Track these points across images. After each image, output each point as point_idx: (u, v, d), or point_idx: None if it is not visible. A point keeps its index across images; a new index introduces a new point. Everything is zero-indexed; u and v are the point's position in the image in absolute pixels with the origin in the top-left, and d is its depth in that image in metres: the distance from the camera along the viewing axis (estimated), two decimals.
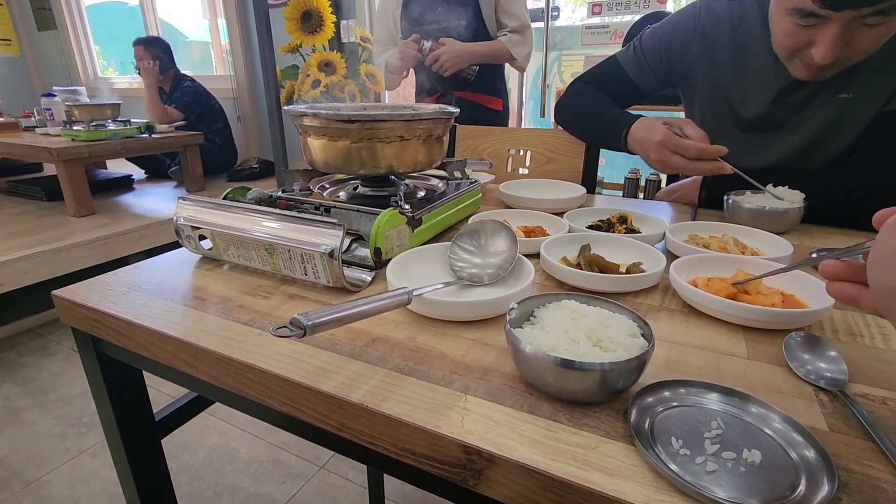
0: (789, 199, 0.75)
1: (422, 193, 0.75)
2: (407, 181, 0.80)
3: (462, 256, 0.57)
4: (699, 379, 0.37)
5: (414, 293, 0.45)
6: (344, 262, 0.52)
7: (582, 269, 0.56)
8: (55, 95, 2.26)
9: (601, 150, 1.11)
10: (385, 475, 1.26)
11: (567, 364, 0.34)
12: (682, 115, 1.02)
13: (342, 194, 0.74)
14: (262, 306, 0.52)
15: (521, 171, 1.18)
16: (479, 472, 0.33)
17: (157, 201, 2.28)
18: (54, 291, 0.55)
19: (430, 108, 0.71)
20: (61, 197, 1.97)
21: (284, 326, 0.37)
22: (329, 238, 0.51)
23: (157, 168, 2.73)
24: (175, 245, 0.66)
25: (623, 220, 0.72)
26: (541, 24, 2.16)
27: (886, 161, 0.78)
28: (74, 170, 1.86)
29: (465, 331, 0.47)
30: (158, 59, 2.57)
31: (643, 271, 0.55)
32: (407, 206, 0.62)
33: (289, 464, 1.44)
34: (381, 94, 2.79)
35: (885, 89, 0.78)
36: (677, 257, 0.57)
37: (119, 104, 2.16)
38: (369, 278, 0.57)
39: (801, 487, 0.29)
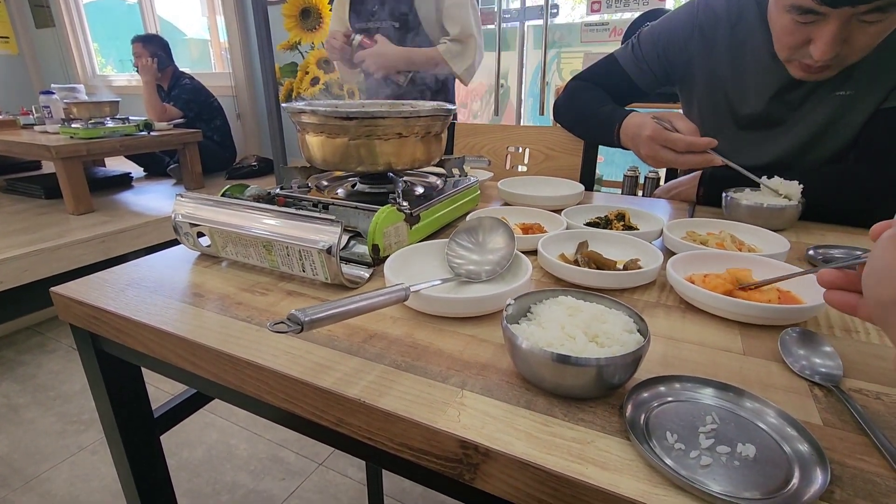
0: (785, 191, 0.75)
1: (420, 190, 0.75)
2: (405, 178, 0.80)
3: (460, 253, 0.57)
4: (695, 374, 0.38)
5: (411, 289, 0.46)
6: (342, 258, 0.52)
7: (579, 265, 0.56)
8: (53, 93, 2.26)
9: (600, 147, 1.11)
10: (384, 471, 1.27)
11: (563, 359, 0.35)
12: (679, 112, 1.02)
13: (340, 191, 0.74)
14: (261, 303, 0.52)
15: (519, 168, 1.18)
16: (475, 467, 0.34)
17: (156, 199, 2.28)
18: (53, 288, 0.55)
19: (429, 105, 0.71)
20: (60, 195, 1.97)
21: (282, 322, 0.37)
22: (327, 235, 0.51)
23: (156, 166, 2.72)
24: (174, 242, 0.66)
25: (621, 217, 0.72)
26: (540, 22, 2.16)
27: (884, 158, 0.78)
28: (73, 167, 1.86)
29: (462, 327, 0.47)
30: (157, 56, 2.56)
31: (640, 268, 0.55)
32: (405, 203, 0.63)
33: (288, 460, 1.45)
34: None
35: (882, 86, 0.78)
36: (674, 254, 0.57)
37: (117, 102, 2.15)
38: (367, 275, 0.57)
39: (795, 481, 0.29)
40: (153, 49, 2.58)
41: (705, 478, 0.29)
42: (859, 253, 0.34)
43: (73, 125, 1.99)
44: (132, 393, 0.63)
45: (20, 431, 1.57)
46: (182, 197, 0.63)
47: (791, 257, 0.63)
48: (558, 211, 0.74)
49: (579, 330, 0.39)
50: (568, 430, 0.34)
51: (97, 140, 1.94)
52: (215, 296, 0.54)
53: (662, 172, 1.87)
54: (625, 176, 2.23)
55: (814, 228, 0.77)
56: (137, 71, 2.58)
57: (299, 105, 0.65)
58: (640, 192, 2.21)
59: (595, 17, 2.11)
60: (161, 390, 1.69)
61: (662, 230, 0.66)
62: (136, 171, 2.76)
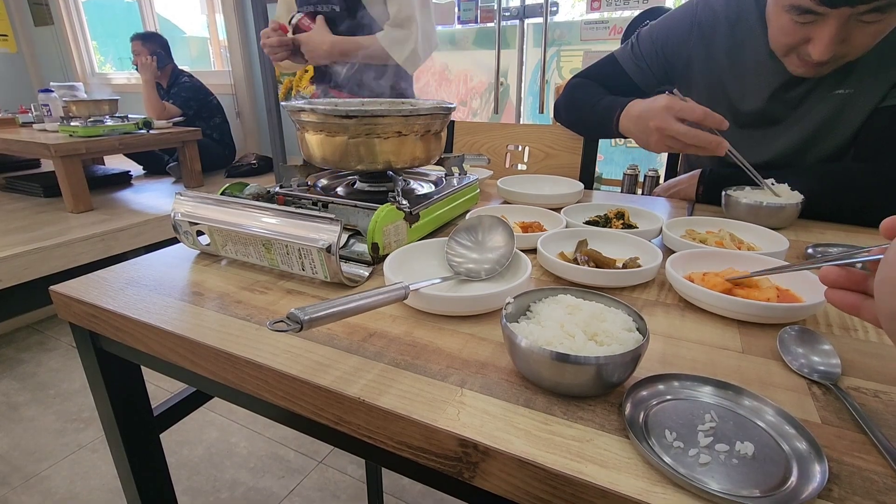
0: (787, 196, 0.75)
1: (419, 189, 0.75)
2: (405, 177, 0.80)
3: (459, 252, 0.57)
4: (694, 373, 0.38)
5: (411, 288, 0.46)
6: (341, 257, 0.52)
7: (579, 264, 0.56)
8: (52, 91, 2.25)
9: (600, 146, 1.11)
10: (383, 469, 1.27)
11: (562, 358, 0.35)
12: None
13: (340, 190, 0.74)
14: (260, 301, 0.52)
15: (519, 166, 1.18)
16: (474, 465, 0.34)
17: (155, 197, 2.28)
18: (52, 287, 0.55)
19: (428, 103, 0.71)
20: (59, 193, 1.96)
21: (282, 321, 0.37)
22: (327, 233, 0.51)
23: (155, 164, 2.72)
24: (173, 241, 0.66)
25: (620, 215, 0.72)
26: (540, 20, 2.15)
27: (884, 156, 0.78)
28: (72, 166, 1.86)
29: (461, 325, 0.47)
30: (156, 54, 2.56)
31: (639, 266, 0.55)
32: (404, 202, 0.63)
33: (287, 458, 1.45)
34: None
35: (882, 85, 0.78)
36: (674, 252, 0.57)
37: (117, 100, 2.15)
38: (367, 273, 0.57)
39: (793, 479, 0.29)
40: (152, 47, 2.57)
41: (704, 476, 0.29)
42: (863, 248, 0.33)
43: (72, 123, 1.99)
44: (132, 391, 0.63)
45: (20, 429, 1.57)
46: (181, 195, 0.63)
47: (790, 256, 0.63)
48: (558, 209, 0.74)
49: (578, 328, 0.39)
50: (567, 429, 0.34)
51: (96, 138, 1.94)
52: (215, 294, 0.54)
53: (662, 171, 1.87)
54: (624, 174, 2.23)
55: (813, 227, 0.77)
56: (137, 69, 2.58)
57: (299, 103, 0.65)
58: (639, 191, 2.21)
59: (595, 16, 2.11)
60: (161, 388, 1.69)
61: (662, 228, 0.66)
62: (136, 169, 2.76)
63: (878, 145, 0.80)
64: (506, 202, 0.86)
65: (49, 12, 3.71)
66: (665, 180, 1.13)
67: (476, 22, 2.30)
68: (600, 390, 0.37)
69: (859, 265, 0.33)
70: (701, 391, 0.37)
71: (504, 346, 0.43)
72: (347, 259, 0.60)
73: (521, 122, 2.42)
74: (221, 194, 0.65)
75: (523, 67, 2.31)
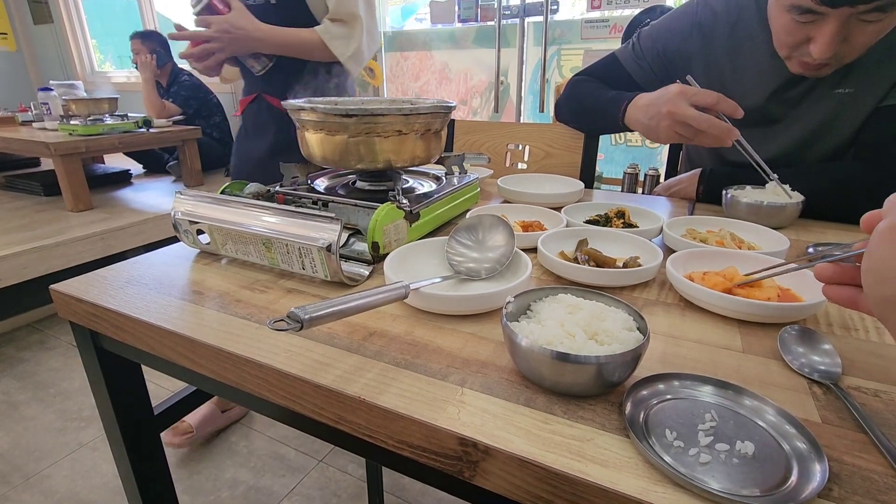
0: (789, 195, 0.75)
1: (420, 188, 0.75)
2: (405, 176, 0.80)
3: (460, 251, 0.57)
4: (694, 372, 0.38)
5: (411, 287, 0.46)
6: (342, 256, 0.52)
7: (579, 263, 0.56)
8: (52, 90, 2.25)
9: (600, 145, 1.11)
10: (383, 468, 1.27)
11: (563, 357, 0.35)
12: None
13: (340, 189, 0.74)
14: (260, 300, 0.52)
15: (519, 165, 1.18)
16: (475, 464, 0.34)
17: (155, 196, 2.28)
18: (53, 286, 0.55)
19: (428, 102, 0.71)
20: (59, 192, 1.96)
21: (282, 320, 0.37)
22: (327, 232, 0.51)
23: (155, 163, 2.72)
24: (173, 240, 0.66)
25: (621, 214, 0.72)
26: (540, 18, 2.15)
27: (883, 156, 0.78)
28: (72, 164, 1.86)
29: (462, 325, 0.47)
30: (156, 53, 2.55)
31: (640, 265, 0.55)
32: (405, 201, 0.63)
33: (288, 457, 1.45)
34: (379, 88, 2.78)
35: (882, 84, 0.78)
36: (674, 252, 0.57)
37: (116, 98, 2.15)
38: (367, 272, 0.57)
39: (793, 478, 0.29)
40: (152, 45, 2.57)
41: (704, 475, 0.29)
42: (853, 243, 0.34)
43: (71, 122, 1.98)
44: (132, 390, 0.63)
45: (20, 428, 1.57)
46: (182, 194, 0.63)
47: (791, 255, 0.63)
48: (558, 208, 0.74)
49: (579, 328, 0.39)
50: (567, 428, 0.34)
51: (96, 137, 1.93)
52: (215, 293, 0.54)
53: (663, 170, 1.87)
54: (625, 173, 2.23)
55: (813, 226, 0.77)
56: (136, 67, 2.57)
57: (299, 102, 0.65)
58: (640, 190, 2.21)
59: (595, 14, 2.11)
60: (161, 387, 1.69)
61: (662, 228, 0.66)
62: (136, 168, 2.76)
63: (879, 145, 0.80)
64: (506, 201, 0.86)
65: (48, 10, 3.70)
66: (665, 179, 1.13)
67: (476, 20, 2.30)
68: (601, 390, 0.37)
69: (850, 260, 0.34)
70: (701, 391, 0.37)
71: (504, 345, 0.43)
72: (348, 258, 0.60)
73: (522, 121, 2.42)
74: (221, 193, 0.65)
75: (523, 66, 2.31)
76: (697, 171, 0.92)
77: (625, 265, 0.56)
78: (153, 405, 0.68)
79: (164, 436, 1.37)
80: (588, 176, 1.09)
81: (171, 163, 2.58)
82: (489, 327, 0.47)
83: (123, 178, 2.54)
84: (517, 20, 2.23)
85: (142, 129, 2.11)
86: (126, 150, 2.39)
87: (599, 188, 2.01)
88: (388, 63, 2.78)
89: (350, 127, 0.62)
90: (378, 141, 0.64)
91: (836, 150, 0.86)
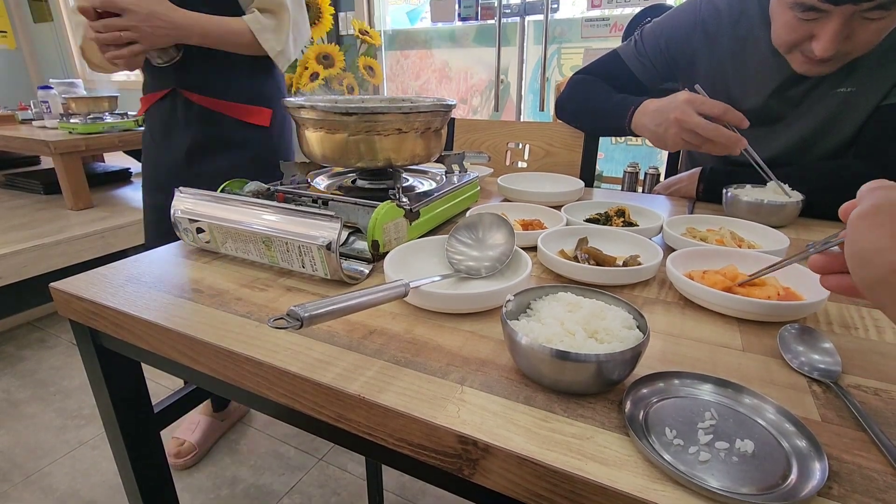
0: (789, 193, 0.75)
1: (420, 186, 0.75)
2: (405, 174, 0.80)
3: (459, 249, 0.57)
4: (694, 370, 0.38)
5: (411, 285, 0.46)
6: (342, 254, 0.52)
7: (579, 261, 0.56)
8: (52, 88, 2.25)
9: (600, 144, 1.11)
10: (383, 466, 1.27)
11: (563, 355, 0.35)
12: None
13: (340, 187, 0.74)
14: (260, 298, 0.52)
15: (519, 164, 1.18)
16: (474, 462, 0.34)
17: None
18: (52, 284, 0.55)
19: (428, 100, 0.71)
20: (59, 190, 1.96)
21: (282, 318, 0.37)
22: (327, 231, 0.51)
23: None
24: (173, 238, 0.66)
25: (621, 213, 0.72)
26: (540, 17, 2.15)
27: (885, 155, 0.78)
28: (72, 163, 1.86)
29: (462, 323, 0.47)
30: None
31: (640, 264, 0.55)
32: (405, 199, 0.63)
33: (288, 455, 1.45)
34: (379, 86, 2.78)
35: (883, 83, 0.78)
36: (674, 250, 0.57)
37: (116, 97, 2.14)
38: (367, 271, 0.57)
39: (793, 477, 0.29)
40: None
41: (704, 473, 0.30)
42: (837, 233, 0.35)
43: (71, 120, 1.98)
44: (132, 388, 0.63)
45: (20, 426, 1.57)
46: (181, 192, 0.63)
47: (791, 254, 0.63)
48: (558, 207, 0.74)
49: (579, 326, 0.39)
50: (567, 426, 0.34)
51: (96, 135, 1.93)
52: (214, 291, 0.54)
53: (663, 169, 1.86)
54: (625, 172, 2.22)
55: (814, 225, 0.77)
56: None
57: (298, 100, 0.65)
58: (640, 189, 2.20)
59: (596, 13, 2.10)
60: (161, 385, 1.69)
61: (662, 226, 0.66)
62: (136, 166, 2.75)
63: (880, 143, 0.80)
64: (506, 200, 0.86)
65: (48, 9, 3.69)
66: (665, 178, 1.13)
67: (476, 19, 2.29)
68: (600, 388, 0.37)
69: (838, 249, 0.35)
70: (701, 389, 0.37)
71: (504, 343, 0.43)
72: (347, 256, 0.60)
73: (522, 120, 2.42)
74: (221, 191, 0.65)
75: (524, 65, 2.31)
76: (697, 169, 0.92)
77: (625, 264, 0.56)
78: (153, 403, 0.68)
79: (170, 459, 1.35)
80: (588, 174, 1.09)
81: None
82: (489, 326, 0.47)
83: (123, 177, 2.54)
84: (517, 19, 2.22)
85: (142, 128, 2.11)
86: (126, 149, 2.38)
87: (599, 187, 2.01)
88: (388, 62, 2.77)
89: (350, 125, 0.62)
90: (378, 139, 0.64)
91: (838, 149, 0.86)
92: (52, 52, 3.83)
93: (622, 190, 2.22)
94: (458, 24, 2.41)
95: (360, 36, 2.18)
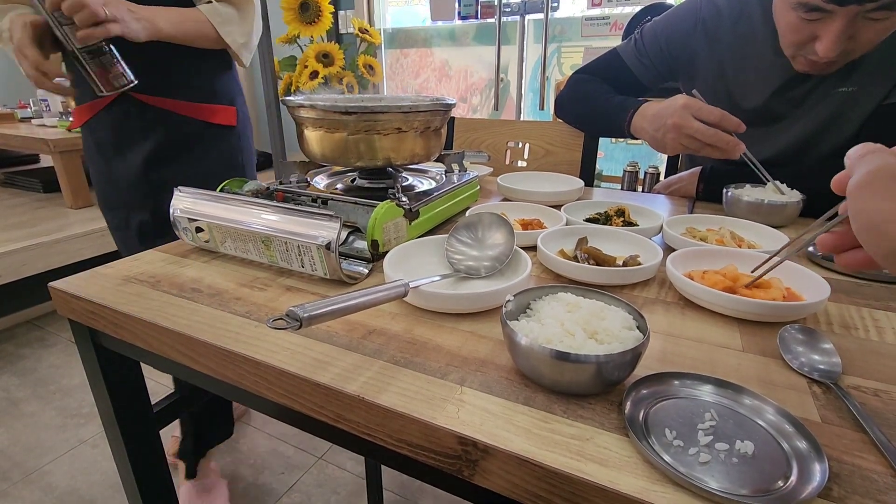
0: (788, 194, 0.75)
1: (419, 186, 0.75)
2: (405, 173, 0.80)
3: (459, 249, 0.57)
4: (694, 371, 0.38)
5: (411, 285, 0.45)
6: (341, 254, 0.52)
7: (579, 261, 0.56)
8: None
9: (600, 143, 1.11)
10: (382, 465, 1.27)
11: (562, 356, 0.35)
12: None
13: (339, 186, 0.74)
14: (259, 298, 0.52)
15: (519, 163, 1.18)
16: (474, 463, 0.34)
17: None
18: (51, 283, 0.55)
19: (428, 99, 0.71)
20: (58, 188, 1.96)
21: (281, 318, 0.37)
22: (326, 230, 0.51)
23: None
24: (172, 237, 0.66)
25: (620, 213, 0.72)
26: (540, 15, 2.14)
27: None
28: (71, 161, 1.85)
29: (461, 323, 0.47)
30: None
31: (640, 264, 0.55)
32: (404, 199, 0.62)
33: (287, 454, 1.45)
34: (379, 85, 2.77)
35: (885, 83, 0.78)
36: (674, 250, 0.57)
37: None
38: (366, 270, 0.57)
39: (793, 478, 0.29)
40: None
41: (703, 474, 0.29)
42: (840, 206, 0.34)
43: (70, 119, 1.98)
44: (131, 387, 0.63)
45: (20, 425, 1.57)
46: (180, 191, 0.62)
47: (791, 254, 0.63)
48: (558, 206, 0.74)
49: (578, 326, 0.39)
50: (567, 427, 0.34)
51: None
52: (214, 291, 0.54)
53: (662, 168, 1.86)
54: (624, 171, 2.22)
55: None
56: None
57: (298, 99, 0.65)
58: (639, 188, 2.20)
59: (596, 12, 2.10)
60: (160, 384, 1.69)
61: (662, 226, 0.66)
62: None
63: (881, 143, 0.79)
64: (506, 199, 0.86)
65: None
66: (665, 177, 1.13)
67: (476, 17, 2.29)
68: (600, 388, 0.37)
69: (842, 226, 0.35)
70: (701, 390, 0.37)
71: (504, 343, 0.43)
72: (347, 256, 0.60)
73: (522, 119, 2.42)
74: (220, 191, 0.65)
75: (524, 64, 2.30)
76: (697, 169, 0.92)
77: (624, 264, 0.56)
78: (152, 402, 0.68)
79: (169, 458, 1.34)
80: (588, 174, 1.09)
81: None
82: (488, 326, 0.46)
83: None
84: (517, 17, 2.22)
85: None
86: None
87: (599, 186, 2.01)
88: (388, 60, 2.77)
89: (350, 124, 0.62)
90: (378, 138, 0.63)
91: (839, 149, 0.86)
92: None
93: (622, 189, 2.21)
94: (458, 22, 2.40)
95: (360, 34, 2.18)
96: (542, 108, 2.30)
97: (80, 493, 1.32)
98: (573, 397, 0.37)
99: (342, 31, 2.63)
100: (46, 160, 2.54)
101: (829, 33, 0.68)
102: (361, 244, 0.59)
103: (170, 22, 0.88)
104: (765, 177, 0.77)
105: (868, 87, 0.79)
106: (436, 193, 0.70)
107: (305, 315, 0.37)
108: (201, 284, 0.55)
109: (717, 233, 0.65)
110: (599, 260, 0.56)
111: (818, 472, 0.29)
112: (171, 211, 0.62)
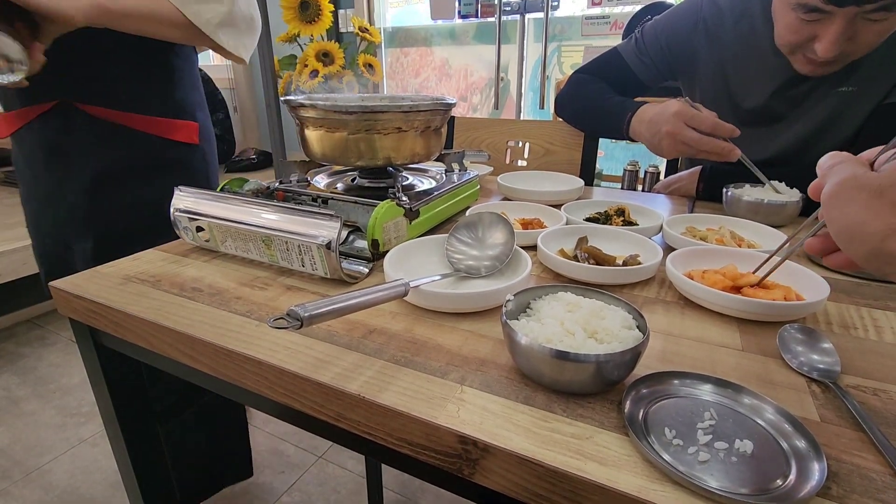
0: (788, 193, 0.75)
1: (420, 185, 0.75)
2: (405, 173, 0.80)
3: (459, 248, 0.57)
4: (693, 370, 0.38)
5: (411, 285, 0.46)
6: (341, 253, 0.52)
7: (579, 261, 0.56)
8: None
9: (600, 142, 1.11)
10: (383, 464, 1.27)
11: (562, 355, 0.35)
12: None
13: (340, 186, 0.74)
14: (260, 297, 0.52)
15: (519, 162, 1.18)
16: (474, 462, 0.34)
17: None
18: (52, 283, 0.55)
19: (428, 99, 0.71)
20: None
21: (282, 318, 0.37)
22: (326, 230, 0.51)
23: None
24: (173, 236, 0.66)
25: (620, 212, 0.72)
26: (540, 14, 2.14)
27: None
28: None
29: (461, 322, 0.47)
30: None
31: (640, 264, 0.55)
32: (404, 198, 0.62)
33: (287, 453, 1.45)
34: (379, 84, 2.77)
35: (885, 82, 0.78)
36: (674, 250, 0.57)
37: None
38: (367, 270, 0.57)
39: (792, 477, 0.29)
40: None
41: (703, 473, 0.30)
42: (819, 212, 0.35)
43: None
44: (132, 386, 0.63)
45: (20, 424, 1.57)
46: (181, 191, 0.63)
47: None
48: (558, 206, 0.74)
49: (578, 326, 0.39)
50: (567, 426, 0.34)
51: None
52: (214, 290, 0.54)
53: (662, 167, 1.86)
54: (625, 170, 2.22)
55: None
56: None
57: (298, 98, 0.65)
58: (639, 187, 2.20)
59: (596, 11, 2.10)
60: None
61: (662, 226, 0.66)
62: None
63: (880, 143, 0.79)
64: (506, 199, 0.86)
65: None
66: (665, 177, 1.13)
67: (476, 16, 2.29)
68: (600, 388, 0.37)
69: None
70: (700, 389, 0.37)
71: (504, 343, 0.43)
72: (347, 255, 0.60)
73: (522, 118, 2.42)
74: (221, 190, 0.65)
75: (524, 63, 2.30)
76: (697, 168, 0.92)
77: (624, 263, 0.56)
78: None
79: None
80: (588, 173, 1.09)
81: None
82: (489, 325, 0.47)
83: None
84: (517, 16, 2.22)
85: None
86: None
87: (599, 185, 2.01)
88: (388, 59, 2.77)
89: (350, 124, 0.62)
90: (378, 138, 0.63)
91: (838, 149, 0.85)
92: None
93: (622, 188, 2.22)
94: (458, 21, 2.40)
95: (360, 33, 2.18)
96: (542, 107, 2.30)
97: (81, 491, 1.32)
98: (573, 396, 0.37)
99: (342, 29, 2.63)
100: None
101: (829, 34, 0.68)
102: (362, 243, 0.59)
103: (128, 6, 0.70)
104: (763, 179, 0.78)
105: (868, 87, 0.79)
106: (436, 193, 0.70)
107: (306, 314, 0.37)
108: (202, 284, 0.55)
109: (717, 232, 0.65)
110: (599, 259, 0.56)
111: (817, 471, 0.29)
112: (171, 210, 0.62)
